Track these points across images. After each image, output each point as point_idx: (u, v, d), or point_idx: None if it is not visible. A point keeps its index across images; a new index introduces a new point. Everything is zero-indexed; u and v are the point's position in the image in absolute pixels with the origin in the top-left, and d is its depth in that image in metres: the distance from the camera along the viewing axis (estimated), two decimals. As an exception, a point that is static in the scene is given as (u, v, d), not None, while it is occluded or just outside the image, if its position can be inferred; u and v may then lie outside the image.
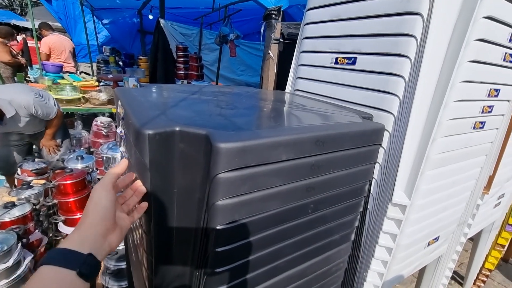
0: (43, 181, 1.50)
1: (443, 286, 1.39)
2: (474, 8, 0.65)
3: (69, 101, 2.75)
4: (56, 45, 4.16)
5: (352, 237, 0.78)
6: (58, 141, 2.11)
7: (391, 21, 0.74)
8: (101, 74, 3.80)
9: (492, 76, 0.81)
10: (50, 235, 1.47)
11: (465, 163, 0.92)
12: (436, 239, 1.04)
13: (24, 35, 5.77)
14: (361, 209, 0.75)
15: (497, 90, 0.85)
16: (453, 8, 0.67)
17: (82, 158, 1.68)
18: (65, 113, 2.96)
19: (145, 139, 0.43)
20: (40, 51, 4.08)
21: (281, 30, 1.44)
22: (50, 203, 1.42)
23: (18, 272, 1.04)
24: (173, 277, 0.53)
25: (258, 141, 0.44)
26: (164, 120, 0.48)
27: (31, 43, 4.76)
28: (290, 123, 0.65)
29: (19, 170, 1.61)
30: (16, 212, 1.22)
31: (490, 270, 1.80)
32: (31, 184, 1.47)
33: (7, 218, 1.18)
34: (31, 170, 1.58)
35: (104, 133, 2.45)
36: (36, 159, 1.80)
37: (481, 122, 0.87)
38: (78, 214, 1.44)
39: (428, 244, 1.02)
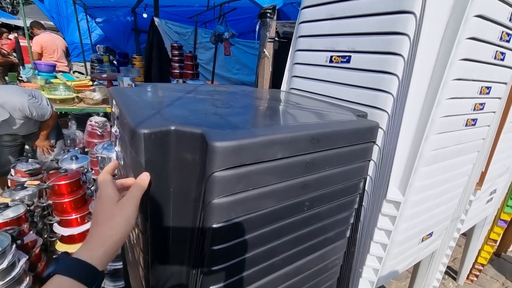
0: (37, 182, 1.49)
1: (437, 281, 1.41)
2: (466, 7, 0.66)
3: (62, 101, 2.72)
4: (48, 44, 4.10)
5: (348, 233, 0.79)
6: (52, 141, 2.09)
7: (384, 20, 0.75)
8: (95, 73, 3.76)
9: (484, 74, 0.82)
10: (45, 236, 1.46)
11: (458, 159, 0.94)
12: (430, 234, 1.06)
13: (16, 34, 5.68)
14: (356, 206, 0.75)
15: (489, 88, 0.86)
16: (445, 6, 0.68)
17: (77, 158, 1.66)
18: (58, 113, 2.93)
19: (140, 138, 0.43)
20: (32, 50, 4.02)
21: (276, 28, 1.44)
22: (44, 204, 1.41)
23: (13, 274, 1.03)
24: (169, 276, 0.53)
25: (253, 140, 0.44)
26: (160, 120, 0.48)
27: (23, 42, 4.69)
28: (285, 121, 0.65)
29: (12, 171, 1.59)
30: (10, 214, 1.20)
31: (483, 265, 1.83)
32: (25, 185, 1.45)
33: (0, 219, 1.17)
34: (25, 171, 1.56)
35: (98, 133, 2.43)
36: (30, 160, 1.78)
37: (473, 119, 0.89)
38: (73, 214, 1.43)
39: (422, 240, 1.03)
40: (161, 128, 0.44)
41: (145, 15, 5.18)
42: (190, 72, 3.75)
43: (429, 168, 0.83)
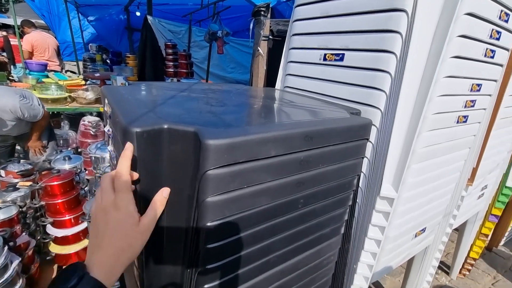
0: (29, 183, 1.46)
1: (430, 276, 1.44)
2: (456, 5, 0.67)
3: (54, 101, 2.68)
4: (39, 42, 4.04)
5: (342, 230, 0.79)
6: (44, 142, 2.06)
7: (377, 18, 0.75)
8: (87, 72, 3.72)
9: (474, 71, 0.83)
10: (38, 237, 1.44)
11: (450, 156, 0.95)
12: (423, 230, 1.07)
13: (5, 32, 5.56)
14: (350, 203, 0.76)
15: (479, 85, 0.87)
16: (436, 4, 0.69)
17: (70, 158, 1.64)
18: (51, 113, 2.88)
19: (132, 137, 0.42)
20: (23, 49, 3.95)
21: (270, 27, 1.44)
22: (37, 205, 1.39)
23: (6, 276, 1.02)
24: (164, 275, 0.53)
25: (247, 137, 0.44)
26: (152, 118, 0.48)
27: (13, 41, 4.60)
28: (279, 119, 0.65)
29: (3, 172, 1.57)
30: (1, 215, 1.19)
31: (474, 259, 1.87)
32: (17, 186, 1.43)
33: (-8, 221, 1.15)
34: (17, 172, 1.54)
35: (92, 133, 2.40)
36: (22, 161, 1.75)
37: (464, 116, 0.90)
38: (66, 215, 1.41)
39: (415, 236, 1.05)
40: (154, 126, 0.44)
41: (138, 14, 5.13)
42: (185, 71, 3.73)
43: (421, 165, 0.84)
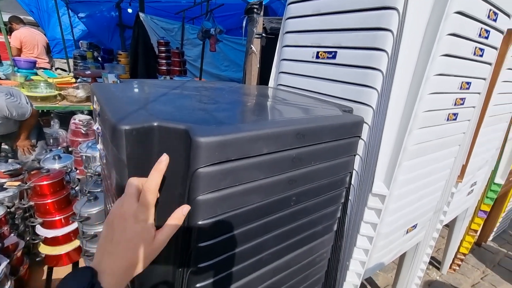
0: (17, 183, 1.43)
1: (421, 271, 1.46)
2: (446, 3, 0.67)
3: (44, 99, 2.62)
4: (28, 39, 3.94)
5: (335, 227, 0.80)
6: (33, 141, 2.02)
7: (369, 16, 0.76)
8: (78, 70, 3.65)
9: (464, 70, 0.84)
10: (27, 238, 1.41)
11: (440, 153, 0.97)
12: (414, 226, 1.09)
13: (-8, 29, 5.41)
14: (342, 200, 0.77)
15: (468, 83, 0.89)
16: (427, 2, 0.70)
17: (60, 157, 1.61)
18: (40, 111, 2.82)
19: (121, 135, 0.41)
20: (11, 46, 3.85)
21: (263, 24, 1.43)
22: (26, 205, 1.36)
23: (-7, 278, 1.00)
24: (155, 274, 0.52)
25: (238, 135, 0.44)
26: (142, 115, 0.47)
27: (0, 38, 4.48)
28: (271, 116, 0.65)
29: (-10, 172, 1.53)
30: (-12, 216, 1.16)
31: (464, 254, 1.91)
32: (4, 186, 1.39)
33: (-22, 222, 1.12)
34: (4, 172, 1.50)
35: (83, 132, 2.36)
36: (10, 160, 1.71)
37: (454, 114, 0.91)
38: (56, 216, 1.39)
39: (407, 232, 1.06)
40: (144, 124, 0.43)
41: (130, 10, 5.06)
42: (177, 68, 3.70)
43: (412, 162, 0.85)
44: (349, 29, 0.82)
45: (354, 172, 0.86)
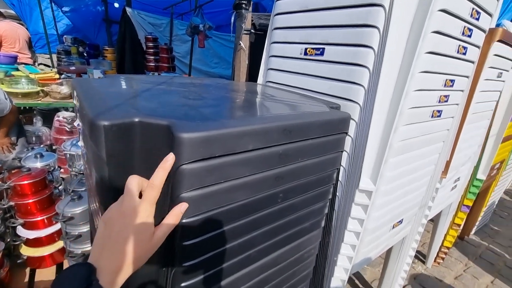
0: (-4, 182, 1.37)
1: (407, 265, 1.50)
2: (431, 1, 0.68)
3: (25, 95, 2.52)
4: (8, 33, 3.78)
5: (322, 223, 0.80)
6: (13, 138, 1.94)
7: (356, 12, 0.76)
8: (62, 65, 3.53)
9: (448, 67, 0.86)
10: (8, 240, 1.36)
11: (425, 149, 0.98)
12: (400, 221, 1.11)
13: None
14: (330, 197, 0.77)
15: (452, 81, 0.91)
16: (412, 0, 0.70)
17: (42, 156, 1.55)
18: (22, 108, 2.71)
19: (100, 131, 0.40)
20: (-10, 40, 3.69)
21: (252, 20, 1.42)
22: (5, 206, 1.31)
23: (-30, 282, 0.95)
24: (140, 274, 0.50)
25: (223, 131, 0.43)
26: (123, 111, 0.45)
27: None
28: (258, 112, 0.64)
29: (-33, 172, 1.46)
30: (-36, 217, 1.11)
31: (448, 248, 1.96)
32: (-18, 186, 1.33)
33: (-47, 224, 1.07)
34: (-18, 171, 1.44)
35: (67, 129, 2.28)
36: (-12, 159, 1.64)
37: (439, 111, 0.93)
38: (38, 216, 1.34)
39: (393, 227, 1.08)
40: (124, 119, 0.42)
41: (116, 5, 4.92)
42: (166, 65, 3.63)
43: (398, 158, 0.86)
44: (336, 25, 0.82)
45: (341, 168, 0.86)
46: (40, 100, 2.60)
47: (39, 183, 1.36)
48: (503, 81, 1.36)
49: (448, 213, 1.74)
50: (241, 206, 0.52)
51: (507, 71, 1.34)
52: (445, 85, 0.88)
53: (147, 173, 0.46)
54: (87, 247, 1.20)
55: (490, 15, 0.90)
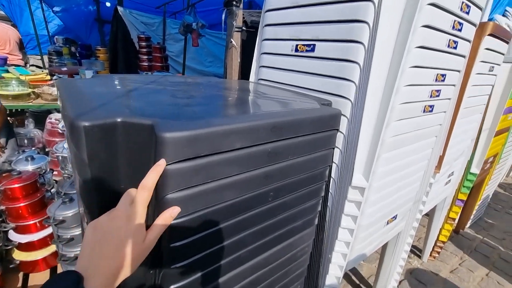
0: (-14, 187, 1.35)
1: (403, 260, 1.50)
2: (420, -5, 0.68)
3: (16, 97, 2.49)
4: (-2, 34, 3.71)
5: (316, 221, 0.80)
6: (2, 140, 1.91)
7: (346, 8, 0.75)
8: (53, 66, 3.48)
9: (439, 62, 0.86)
10: (0, 244, 1.34)
11: (418, 145, 0.98)
12: (394, 217, 1.11)
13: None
14: (322, 194, 0.76)
15: (443, 75, 0.90)
16: (401, -6, 0.70)
17: (33, 158, 1.53)
18: (13, 110, 2.67)
19: (80, 132, 0.39)
20: (-21, 42, 3.62)
21: (243, 18, 1.41)
22: (-4, 210, 1.28)
23: (-41, 289, 0.93)
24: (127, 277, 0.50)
25: (208, 130, 0.42)
26: (106, 111, 0.44)
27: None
28: (246, 110, 0.63)
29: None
30: (-47, 223, 1.08)
31: (443, 242, 1.98)
32: (-29, 191, 1.31)
33: None
34: (-29, 175, 1.41)
35: (59, 131, 2.24)
36: (-22, 163, 1.61)
37: (430, 106, 0.93)
38: (30, 220, 1.32)
39: (387, 223, 1.08)
40: (106, 120, 0.40)
41: (108, 4, 4.86)
42: (159, 64, 3.60)
43: (390, 154, 0.86)
44: (327, 21, 0.81)
45: (334, 165, 0.86)
46: (31, 102, 2.56)
47: (30, 186, 1.33)
48: (495, 75, 1.36)
49: (442, 207, 1.75)
50: (230, 206, 0.51)
51: (499, 65, 1.34)
52: (436, 79, 0.88)
53: (132, 175, 0.45)
54: (80, 250, 1.18)
55: (480, 8, 0.89)
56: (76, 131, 0.39)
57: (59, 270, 1.42)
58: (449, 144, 1.22)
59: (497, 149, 1.95)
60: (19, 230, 1.33)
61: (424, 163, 1.11)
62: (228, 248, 0.55)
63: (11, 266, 1.33)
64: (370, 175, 0.81)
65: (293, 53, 0.93)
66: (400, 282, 1.76)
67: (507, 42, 1.31)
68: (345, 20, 0.76)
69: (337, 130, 0.70)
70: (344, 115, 0.79)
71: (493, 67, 1.28)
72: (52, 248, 1.39)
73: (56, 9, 5.32)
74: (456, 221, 2.28)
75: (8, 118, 2.38)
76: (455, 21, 0.81)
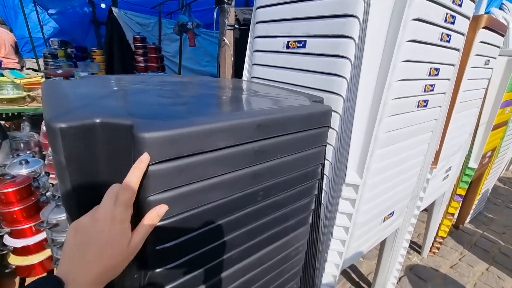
0: (-20, 191, 1.34)
1: (402, 257, 1.49)
2: (410, -12, 0.66)
3: (11, 101, 2.47)
4: (-7, 38, 3.70)
5: (310, 220, 0.78)
6: (-4, 145, 1.90)
7: (335, 2, 0.74)
8: (49, 69, 3.46)
9: (432, 56, 0.84)
10: (-5, 249, 1.33)
11: (412, 140, 0.97)
12: (391, 214, 1.10)
13: (-48, 28, 5.04)
14: (316, 192, 0.75)
15: (437, 69, 0.89)
16: (391, -13, 0.68)
17: (27, 162, 1.51)
18: (10, 114, 2.65)
19: (56, 133, 0.37)
20: (-26, 46, 3.61)
21: (236, 15, 1.39)
22: (-10, 215, 1.27)
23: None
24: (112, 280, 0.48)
25: (190, 129, 0.41)
26: (85, 112, 0.43)
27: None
28: (233, 109, 0.62)
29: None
30: None
31: (443, 238, 1.97)
32: (-35, 196, 1.30)
33: None
34: (-35, 180, 1.40)
35: (55, 134, 2.24)
36: (-28, 167, 1.60)
37: (425, 101, 0.92)
38: (25, 224, 1.31)
39: (384, 220, 1.07)
40: (83, 121, 0.39)
41: (103, 5, 4.83)
42: (155, 65, 3.58)
43: (384, 150, 0.84)
44: (317, 17, 0.80)
45: (328, 162, 0.85)
46: (26, 105, 2.54)
47: (24, 190, 1.32)
48: (491, 68, 1.35)
49: (441, 203, 1.74)
50: (217, 206, 0.50)
51: (495, 58, 1.33)
52: (429, 74, 0.87)
53: (114, 178, 0.44)
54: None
55: (473, 1, 0.88)
56: (52, 132, 0.38)
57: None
58: (446, 139, 1.21)
59: (495, 143, 1.94)
60: (14, 234, 1.32)
61: (420, 159, 1.10)
62: (218, 249, 0.54)
63: (7, 270, 1.33)
64: (364, 172, 0.80)
65: (285, 50, 0.92)
66: (400, 278, 1.75)
67: (503, 35, 1.29)
68: (335, 15, 0.74)
69: (328, 127, 0.69)
70: (336, 112, 0.78)
71: (488, 60, 1.27)
72: (48, 252, 1.38)
73: (51, 11, 5.29)
74: (456, 216, 2.27)
75: (4, 122, 2.37)
76: (447, 14, 0.80)
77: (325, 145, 0.71)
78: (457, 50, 0.95)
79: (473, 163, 1.78)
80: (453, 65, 0.98)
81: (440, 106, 1.03)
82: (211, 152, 0.45)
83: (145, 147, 0.38)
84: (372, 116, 0.77)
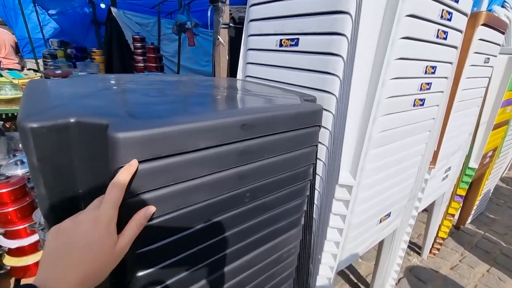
0: (-26, 192, 1.33)
1: (400, 258, 1.47)
2: (403, -17, 0.64)
3: (9, 101, 2.47)
4: (-7, 39, 3.70)
5: (302, 221, 0.77)
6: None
7: (327, -1, 0.72)
8: (48, 69, 3.46)
9: (428, 53, 0.82)
10: (-11, 250, 1.32)
11: (409, 140, 0.95)
12: (388, 215, 1.08)
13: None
14: (308, 193, 0.73)
15: (434, 67, 0.87)
16: (384, -17, 0.66)
17: (22, 162, 1.51)
18: (10, 114, 2.65)
19: (27, 133, 0.36)
20: (-26, 46, 3.62)
21: (231, 14, 1.38)
22: (-16, 216, 1.27)
23: None
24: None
25: (167, 129, 0.39)
26: (60, 111, 0.41)
27: (-37, 38, 4.18)
28: (216, 108, 0.61)
29: None
30: None
31: (443, 238, 1.94)
32: (-41, 197, 1.29)
33: None
34: (-40, 181, 1.39)
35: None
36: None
37: (421, 100, 0.90)
38: (20, 225, 1.30)
39: (380, 221, 1.05)
40: (57, 120, 0.38)
41: (102, 5, 4.83)
42: (154, 65, 3.57)
43: (379, 150, 0.83)
44: (309, 14, 0.78)
45: (321, 163, 0.83)
46: (25, 105, 2.54)
47: (18, 190, 1.32)
48: (491, 66, 1.32)
49: (441, 203, 1.71)
50: (202, 208, 0.49)
51: (495, 56, 1.30)
52: (426, 72, 0.84)
53: (92, 180, 0.42)
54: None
55: (470, -3, 0.86)
56: (23, 133, 0.36)
57: (51, 274, 1.40)
58: (444, 139, 1.18)
59: (496, 143, 1.91)
60: (8, 235, 1.32)
61: (418, 159, 1.08)
62: (203, 252, 0.53)
63: (1, 271, 1.32)
64: (357, 172, 0.78)
65: (278, 48, 0.90)
66: (399, 280, 1.73)
67: (503, 33, 1.27)
68: (327, 12, 0.73)
69: (319, 126, 0.67)
70: (329, 111, 0.76)
71: (488, 58, 1.24)
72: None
73: (52, 12, 5.30)
74: (456, 217, 2.24)
75: (3, 122, 2.37)
76: (443, 10, 0.78)
77: (317, 145, 0.69)
78: (455, 47, 0.93)
79: (474, 163, 1.75)
80: (450, 63, 0.95)
81: (437, 105, 1.01)
82: (193, 153, 0.43)
83: (119, 148, 0.36)
84: (366, 115, 0.75)
